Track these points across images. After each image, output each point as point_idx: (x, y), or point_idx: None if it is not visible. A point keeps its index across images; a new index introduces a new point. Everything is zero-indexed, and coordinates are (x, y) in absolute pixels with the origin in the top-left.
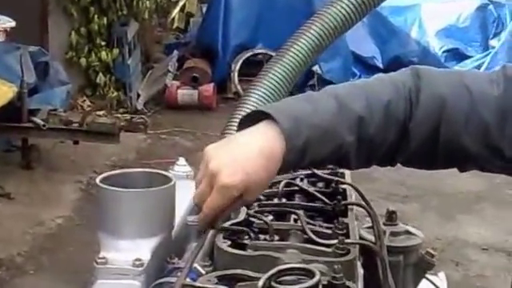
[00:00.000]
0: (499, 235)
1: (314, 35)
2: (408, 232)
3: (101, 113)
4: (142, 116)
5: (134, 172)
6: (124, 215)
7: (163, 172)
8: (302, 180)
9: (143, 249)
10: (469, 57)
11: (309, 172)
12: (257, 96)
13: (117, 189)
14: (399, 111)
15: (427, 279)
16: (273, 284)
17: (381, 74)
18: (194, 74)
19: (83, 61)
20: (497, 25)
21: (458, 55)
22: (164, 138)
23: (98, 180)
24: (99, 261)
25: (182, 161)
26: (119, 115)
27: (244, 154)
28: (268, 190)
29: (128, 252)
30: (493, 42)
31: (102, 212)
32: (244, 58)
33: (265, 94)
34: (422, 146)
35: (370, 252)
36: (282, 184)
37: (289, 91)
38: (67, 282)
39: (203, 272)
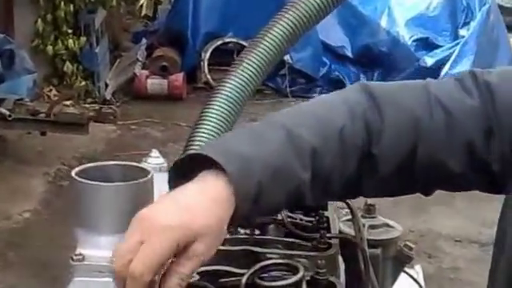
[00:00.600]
0: (472, 227)
1: (288, 24)
2: (386, 225)
3: (68, 103)
4: (112, 106)
5: (109, 165)
6: (102, 210)
7: (140, 165)
8: None
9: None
10: (439, 46)
11: None
12: (230, 87)
13: (94, 182)
14: (357, 136)
15: (405, 272)
16: (256, 280)
17: (327, 96)
18: (163, 63)
19: (49, 49)
20: (466, 14)
21: (427, 44)
22: (134, 129)
23: (73, 173)
24: (75, 257)
25: (155, 153)
26: (87, 105)
27: (186, 198)
28: None
29: (106, 248)
30: (462, 32)
31: (78, 207)
32: (214, 46)
33: (238, 84)
34: (395, 171)
35: (350, 245)
36: None
37: (261, 82)
38: (35, 277)
39: None
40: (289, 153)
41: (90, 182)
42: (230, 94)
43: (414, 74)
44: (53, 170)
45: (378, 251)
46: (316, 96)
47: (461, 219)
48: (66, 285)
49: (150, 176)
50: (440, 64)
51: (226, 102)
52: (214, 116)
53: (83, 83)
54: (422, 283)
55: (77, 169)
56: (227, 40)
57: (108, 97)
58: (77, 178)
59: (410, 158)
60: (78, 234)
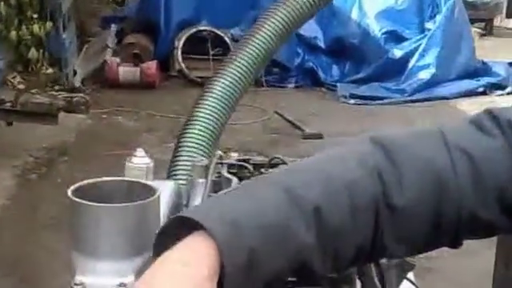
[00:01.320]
0: None
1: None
2: None
3: (34, 91)
4: (83, 95)
5: (110, 181)
6: (104, 233)
7: (144, 181)
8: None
9: (127, 271)
10: (406, 39)
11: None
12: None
13: (94, 204)
14: (370, 189)
15: (408, 280)
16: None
17: (331, 151)
18: (136, 51)
19: (13, 34)
20: (432, 8)
21: (396, 37)
22: (105, 118)
23: (69, 193)
24: (76, 287)
25: (140, 152)
26: (54, 93)
27: (165, 274)
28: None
29: (109, 275)
30: (429, 25)
31: (77, 229)
32: (188, 34)
33: (232, 81)
34: (415, 234)
35: None
36: None
37: (253, 79)
38: (3, 276)
39: None
40: (288, 211)
41: (88, 202)
42: (221, 92)
43: (383, 66)
44: (20, 162)
45: (384, 260)
46: (290, 86)
47: None
48: None
49: (156, 195)
50: (408, 56)
51: (217, 101)
52: (205, 116)
53: (50, 70)
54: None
55: (73, 187)
56: (201, 28)
57: (77, 84)
58: (73, 198)
59: (436, 212)
60: (77, 260)
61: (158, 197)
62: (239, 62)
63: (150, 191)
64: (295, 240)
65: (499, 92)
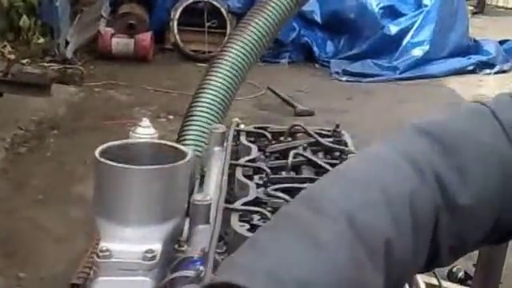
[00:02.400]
0: None
1: None
2: None
3: (25, 61)
4: (77, 66)
5: (139, 143)
6: (132, 197)
7: (174, 144)
8: (305, 149)
9: (154, 238)
10: (403, 14)
11: (312, 140)
12: (236, 50)
13: (123, 165)
14: (428, 203)
15: None
16: None
17: (378, 150)
18: (130, 21)
19: (4, 1)
20: None
21: (393, 13)
22: (98, 92)
23: (96, 153)
24: (101, 254)
25: (145, 122)
26: (46, 64)
27: None
28: (275, 162)
29: (136, 242)
30: (425, 1)
31: (103, 193)
32: (184, 5)
33: (243, 50)
34: (480, 229)
35: None
36: (291, 156)
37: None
38: None
39: (219, 260)
40: (360, 258)
41: (116, 164)
42: (233, 61)
43: (378, 42)
44: (9, 135)
45: None
46: (284, 62)
47: None
48: (91, 284)
49: (187, 158)
50: (403, 32)
51: (230, 69)
52: (217, 84)
53: (42, 40)
54: None
55: (100, 148)
56: None
57: (69, 56)
58: (101, 158)
59: (502, 207)
60: (102, 225)
61: (189, 160)
62: (252, 32)
63: (180, 154)
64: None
65: (488, 71)
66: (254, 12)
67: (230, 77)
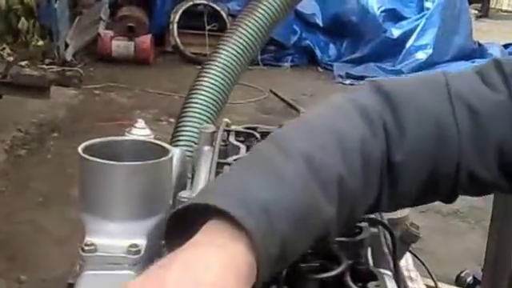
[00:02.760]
0: None
1: None
2: None
3: (24, 63)
4: (76, 69)
5: (122, 140)
6: (115, 193)
7: (157, 141)
8: None
9: (138, 233)
10: (405, 18)
11: None
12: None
13: (106, 161)
14: (377, 147)
15: (411, 252)
16: (297, 271)
17: (337, 102)
18: (130, 24)
19: (3, 3)
20: None
21: (394, 16)
22: (98, 94)
23: (80, 150)
24: (87, 248)
25: (141, 123)
26: (45, 66)
27: (206, 275)
28: None
29: (121, 237)
30: (428, 4)
31: (87, 189)
32: (184, 8)
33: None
34: (412, 186)
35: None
36: None
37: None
38: None
39: None
40: (314, 189)
41: (102, 160)
42: (225, 63)
43: (380, 46)
44: (9, 137)
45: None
46: (287, 65)
47: None
48: (76, 278)
49: (169, 155)
50: (406, 36)
51: (222, 71)
52: (209, 85)
53: (40, 42)
54: (410, 260)
55: (83, 144)
56: (197, 2)
57: (68, 58)
58: (85, 155)
59: (434, 166)
60: (87, 221)
61: (171, 157)
62: (243, 34)
63: (163, 151)
64: (320, 217)
65: None
66: (245, 13)
67: (222, 78)
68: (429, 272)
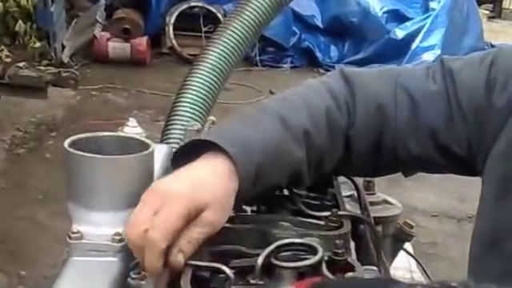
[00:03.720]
0: (447, 202)
1: None
2: (386, 202)
3: (21, 64)
4: (72, 70)
5: (105, 136)
6: (99, 184)
7: (139, 137)
8: None
9: (122, 222)
10: (409, 19)
11: None
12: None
13: (90, 155)
14: (340, 119)
15: (405, 251)
16: (273, 261)
17: (312, 82)
18: (126, 26)
19: (0, 6)
20: None
21: (398, 17)
22: (95, 95)
23: (65, 144)
24: (73, 236)
25: (132, 121)
26: (42, 67)
27: (194, 172)
28: None
29: (105, 226)
30: (433, 4)
31: (74, 181)
32: (179, 10)
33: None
34: (365, 154)
35: (356, 223)
36: None
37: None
38: None
39: None
40: (284, 135)
41: (87, 154)
42: (214, 63)
43: (384, 47)
44: (8, 136)
45: (378, 229)
46: (286, 66)
47: (436, 194)
48: (63, 264)
49: (151, 149)
50: (411, 37)
51: (211, 71)
52: (198, 85)
53: (38, 44)
54: (413, 260)
55: (69, 139)
56: (193, 4)
57: (65, 59)
58: (71, 149)
59: (378, 141)
60: (74, 210)
61: (152, 152)
62: (230, 34)
63: (145, 146)
64: (291, 156)
65: None
66: (234, 14)
67: (211, 77)
68: (425, 272)
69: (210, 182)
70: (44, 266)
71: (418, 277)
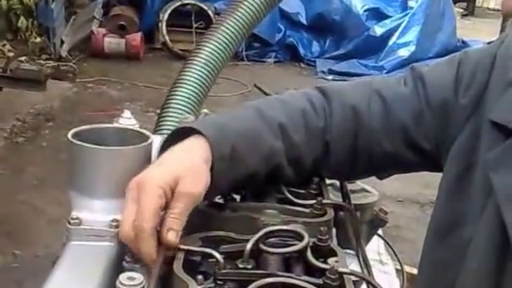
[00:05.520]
0: (412, 188)
1: None
2: (364, 190)
3: (23, 58)
4: (70, 64)
5: (106, 128)
6: (99, 174)
7: (138, 129)
8: None
9: (119, 209)
10: (388, 16)
11: None
12: (208, 50)
13: (93, 146)
14: (316, 122)
15: (379, 235)
16: (261, 247)
17: (291, 91)
18: (121, 22)
19: (4, 3)
20: None
21: (378, 15)
22: (90, 87)
23: (69, 135)
24: (72, 221)
25: (127, 113)
26: (42, 61)
27: (166, 155)
28: None
29: (103, 212)
30: (411, 3)
31: (74, 170)
32: (172, 7)
33: (216, 48)
34: (342, 158)
35: (337, 210)
36: None
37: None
38: None
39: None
40: (259, 124)
41: (88, 145)
42: (207, 58)
43: (363, 43)
44: (8, 126)
45: (357, 215)
46: (270, 61)
47: (402, 181)
48: (62, 248)
49: (149, 141)
50: (389, 34)
51: (204, 66)
52: (191, 79)
53: (38, 39)
54: (382, 245)
55: (72, 131)
56: (185, 1)
57: (64, 54)
58: (74, 140)
59: (354, 143)
60: (74, 197)
61: (151, 143)
62: (223, 32)
63: (144, 138)
64: (266, 143)
65: None
66: (227, 12)
67: (203, 72)
68: (396, 255)
69: (176, 156)
70: (38, 246)
71: (386, 258)
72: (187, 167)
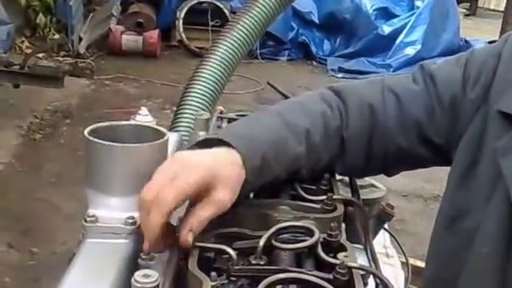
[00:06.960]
0: (416, 183)
1: None
2: (372, 185)
3: (41, 55)
4: (88, 61)
5: (123, 125)
6: (116, 171)
7: (154, 126)
8: None
9: (135, 206)
10: (396, 16)
11: None
12: (224, 48)
13: (110, 143)
14: (334, 121)
15: (385, 229)
16: (274, 243)
17: (306, 93)
18: (139, 20)
19: (22, 0)
20: None
21: (386, 14)
22: (108, 84)
23: (86, 132)
24: (88, 219)
25: (144, 110)
26: (60, 58)
27: (213, 153)
28: None
29: (119, 210)
30: (418, 3)
31: (91, 167)
32: (189, 5)
33: (231, 46)
34: (358, 154)
35: (346, 206)
36: None
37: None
38: (7, 229)
39: None
40: (284, 132)
41: (104, 142)
42: (223, 56)
43: (372, 41)
44: (25, 123)
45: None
46: (283, 59)
47: (406, 176)
48: (78, 245)
49: (165, 138)
50: (396, 32)
51: (219, 63)
52: (207, 76)
53: (56, 36)
54: (388, 238)
55: (89, 128)
56: (202, 0)
57: (82, 51)
58: (90, 137)
59: (369, 140)
60: (90, 194)
61: (167, 140)
62: (239, 30)
63: (160, 135)
64: (291, 150)
65: None
66: (242, 11)
67: (219, 70)
68: (401, 248)
69: (225, 164)
70: (55, 243)
71: (392, 252)
72: (232, 180)
